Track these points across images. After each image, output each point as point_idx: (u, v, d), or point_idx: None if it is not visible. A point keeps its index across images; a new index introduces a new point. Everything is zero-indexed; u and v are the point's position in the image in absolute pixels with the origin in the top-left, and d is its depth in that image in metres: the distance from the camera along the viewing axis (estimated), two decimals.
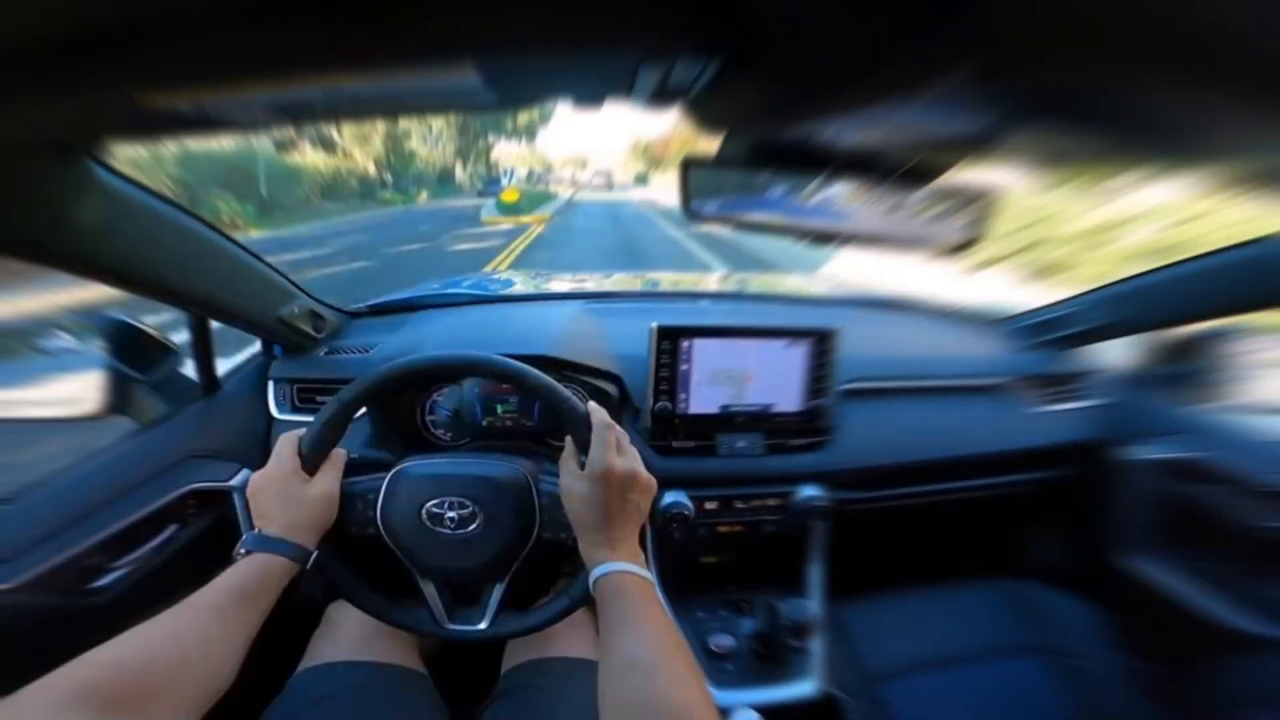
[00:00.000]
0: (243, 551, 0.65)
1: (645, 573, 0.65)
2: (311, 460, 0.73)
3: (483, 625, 0.79)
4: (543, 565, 0.79)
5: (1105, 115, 0.28)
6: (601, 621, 0.61)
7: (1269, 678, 1.06)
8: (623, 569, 0.64)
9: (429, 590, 0.79)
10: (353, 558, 0.78)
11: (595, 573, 0.65)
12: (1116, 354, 1.37)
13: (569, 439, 0.74)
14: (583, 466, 0.71)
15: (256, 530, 0.68)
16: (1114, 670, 1.18)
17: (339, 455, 0.77)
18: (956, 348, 1.39)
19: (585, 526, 0.69)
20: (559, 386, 0.74)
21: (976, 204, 0.51)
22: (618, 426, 0.73)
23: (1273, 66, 0.20)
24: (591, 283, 1.89)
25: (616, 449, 0.70)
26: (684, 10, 0.32)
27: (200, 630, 0.56)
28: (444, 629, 0.79)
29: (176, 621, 0.55)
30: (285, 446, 0.72)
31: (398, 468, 0.77)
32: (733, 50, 0.35)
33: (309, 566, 0.69)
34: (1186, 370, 1.28)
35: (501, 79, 0.39)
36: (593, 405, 0.75)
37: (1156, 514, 1.24)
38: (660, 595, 0.68)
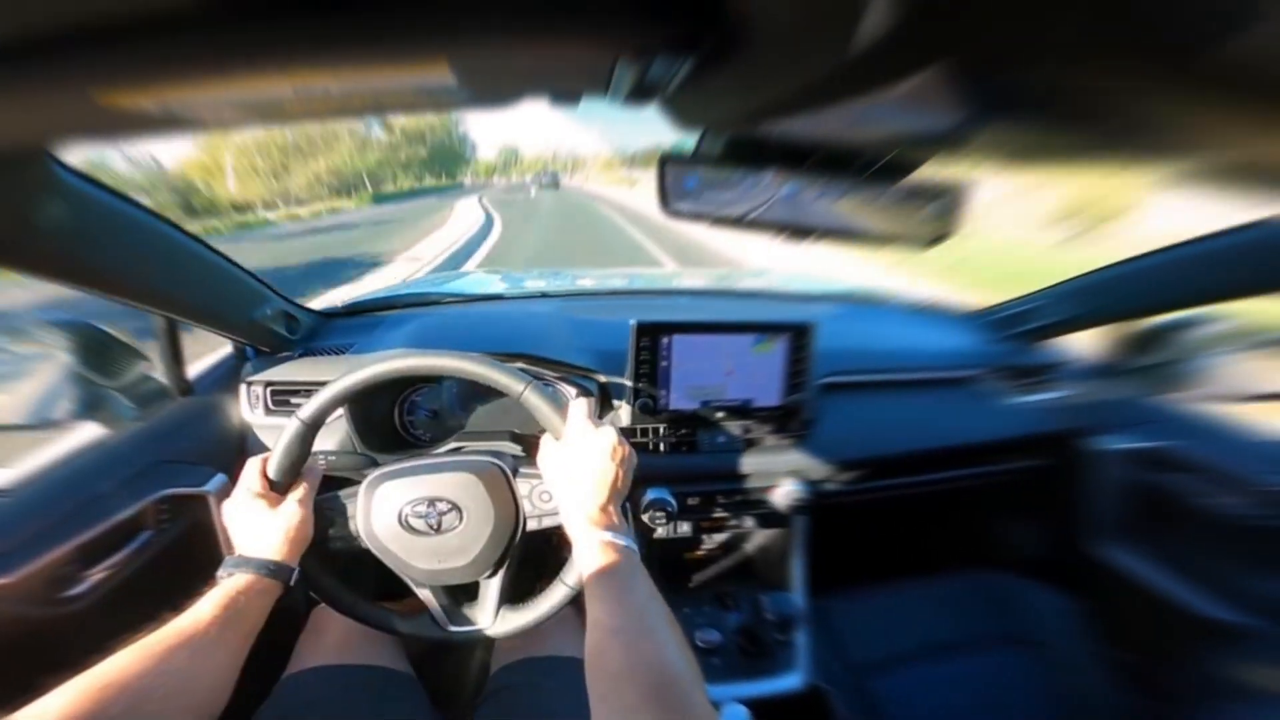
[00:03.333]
0: (225, 574, 0.65)
1: (628, 541, 0.66)
2: (281, 481, 0.72)
3: (485, 624, 0.78)
4: (536, 557, 0.79)
5: (1082, 111, 0.29)
6: (587, 591, 0.61)
7: (1241, 665, 1.09)
8: (604, 538, 0.64)
9: (425, 595, 0.78)
10: (345, 571, 0.78)
11: (581, 544, 0.66)
12: (1086, 345, 1.40)
13: (543, 425, 0.74)
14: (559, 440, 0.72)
15: (236, 553, 0.68)
16: (1090, 659, 1.21)
17: (312, 471, 0.76)
18: (931, 340, 1.41)
19: (567, 498, 0.70)
20: (523, 374, 0.74)
21: (950, 200, 0.52)
22: (588, 402, 0.74)
23: (1255, 65, 0.21)
24: (570, 281, 1.88)
25: (592, 421, 0.71)
26: (661, 7, 0.32)
27: (187, 654, 0.55)
28: (448, 632, 0.79)
29: (165, 645, 0.54)
30: (252, 470, 0.72)
31: (371, 476, 0.76)
32: (710, 47, 0.35)
33: (291, 583, 0.69)
34: (1153, 361, 1.31)
35: (475, 76, 0.39)
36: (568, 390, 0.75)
37: (1127, 503, 1.27)
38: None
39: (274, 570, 0.67)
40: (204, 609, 0.59)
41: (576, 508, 0.68)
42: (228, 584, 0.64)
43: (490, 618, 0.78)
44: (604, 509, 0.68)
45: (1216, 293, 1.08)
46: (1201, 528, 1.15)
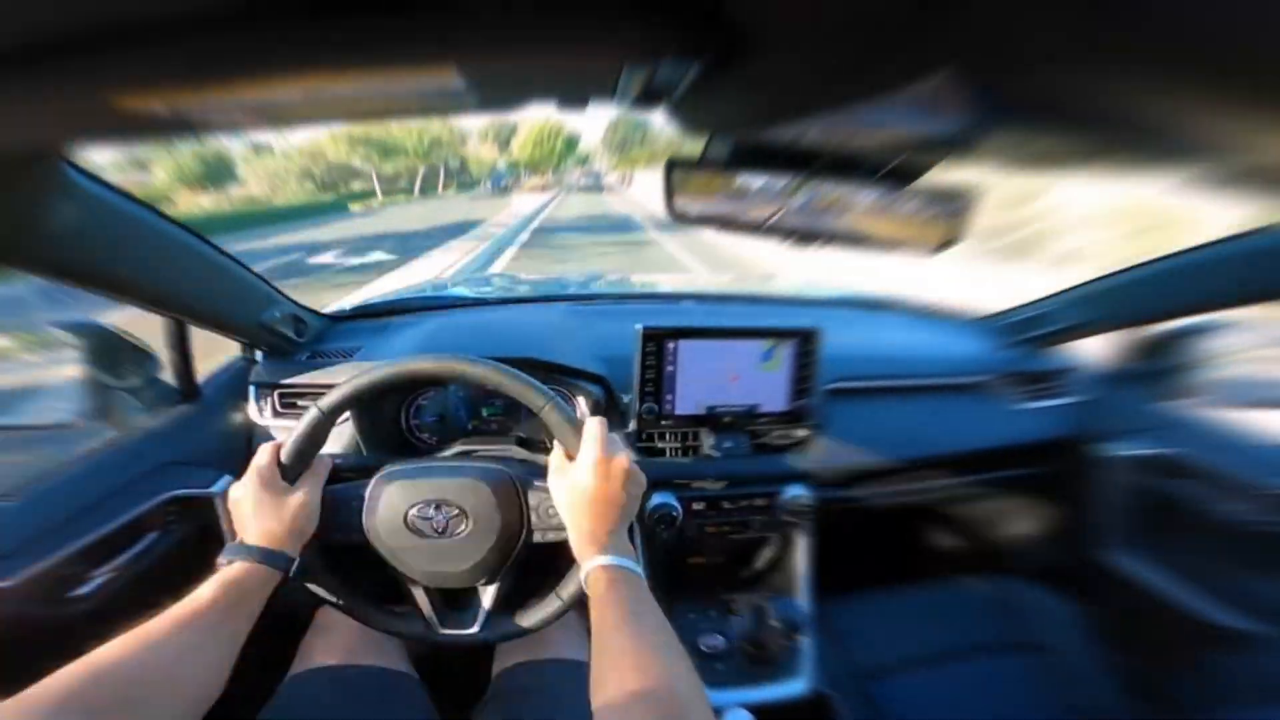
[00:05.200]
0: (225, 561, 0.65)
1: (637, 567, 0.65)
2: (292, 469, 0.72)
3: (474, 629, 0.78)
4: (534, 567, 0.79)
5: (1089, 115, 0.29)
6: (594, 617, 0.61)
7: (1247, 672, 1.08)
8: (615, 564, 0.64)
9: (419, 595, 0.78)
10: (342, 565, 0.78)
11: (587, 567, 0.65)
12: (1094, 351, 1.40)
13: (556, 440, 0.74)
14: (572, 460, 0.71)
15: (238, 540, 0.68)
16: (1096, 665, 1.20)
17: (322, 463, 0.76)
18: (938, 346, 1.40)
19: (577, 521, 0.69)
20: (545, 389, 0.74)
21: (957, 204, 0.51)
22: (607, 423, 0.73)
23: (1258, 64, 0.21)
24: (576, 285, 1.89)
25: (607, 443, 0.70)
26: (668, 11, 0.32)
27: (183, 641, 0.55)
28: (436, 634, 0.79)
29: (158, 632, 0.54)
30: (264, 456, 0.72)
31: (381, 473, 0.76)
32: (717, 51, 0.35)
33: (291, 574, 0.68)
34: (1162, 366, 1.30)
35: (485, 81, 0.39)
36: (579, 401, 0.74)
37: (1134, 509, 1.26)
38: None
39: (274, 559, 0.66)
40: (202, 597, 0.59)
41: (585, 530, 0.67)
42: (227, 572, 0.63)
43: (480, 624, 0.78)
44: (612, 533, 0.67)
45: (1227, 298, 1.08)
46: (1209, 533, 1.14)
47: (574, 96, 0.46)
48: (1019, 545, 1.53)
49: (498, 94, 0.43)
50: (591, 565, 0.64)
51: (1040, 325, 1.36)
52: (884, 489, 1.27)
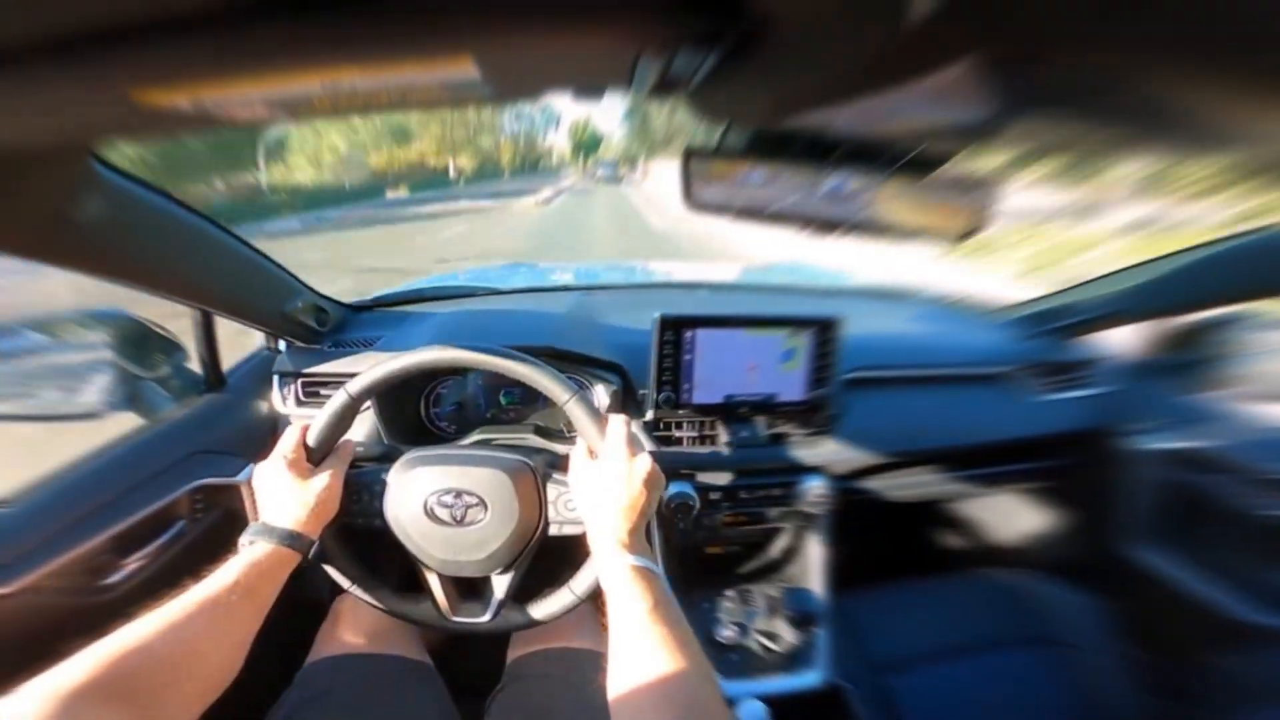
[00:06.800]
0: (247, 541, 0.67)
1: (657, 567, 0.66)
2: (318, 450, 0.74)
3: (486, 617, 0.79)
4: (548, 558, 0.80)
5: (1114, 103, 0.28)
6: (616, 616, 0.61)
7: (1272, 668, 1.06)
8: (633, 562, 0.64)
9: (433, 582, 0.79)
10: (358, 549, 0.79)
11: (609, 567, 0.65)
12: (1120, 342, 1.37)
13: (579, 436, 0.74)
14: (594, 458, 0.72)
15: (260, 520, 0.69)
16: (1117, 661, 1.18)
17: (346, 446, 0.77)
18: (959, 337, 1.38)
19: (598, 519, 0.69)
20: (571, 383, 0.74)
21: (979, 194, 0.50)
22: (632, 422, 0.73)
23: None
24: (594, 274, 1.89)
25: (631, 443, 0.71)
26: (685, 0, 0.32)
27: (204, 621, 0.56)
28: (448, 621, 0.80)
29: (181, 612, 0.56)
30: (291, 437, 0.74)
31: (403, 458, 0.77)
32: (735, 39, 0.35)
33: (311, 556, 0.70)
34: (1189, 359, 1.27)
35: (499, 71, 0.39)
36: (597, 389, 0.74)
37: (1160, 503, 1.24)
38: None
39: (294, 540, 0.68)
40: (223, 578, 0.61)
41: (606, 529, 0.68)
42: (247, 553, 0.65)
43: (492, 614, 0.79)
44: (632, 533, 0.67)
45: (1258, 290, 1.05)
46: (1235, 529, 1.11)
47: (590, 87, 0.45)
48: (1039, 539, 1.51)
49: (513, 84, 0.43)
50: (612, 564, 0.65)
51: (1065, 315, 1.33)
52: (902, 481, 1.25)
